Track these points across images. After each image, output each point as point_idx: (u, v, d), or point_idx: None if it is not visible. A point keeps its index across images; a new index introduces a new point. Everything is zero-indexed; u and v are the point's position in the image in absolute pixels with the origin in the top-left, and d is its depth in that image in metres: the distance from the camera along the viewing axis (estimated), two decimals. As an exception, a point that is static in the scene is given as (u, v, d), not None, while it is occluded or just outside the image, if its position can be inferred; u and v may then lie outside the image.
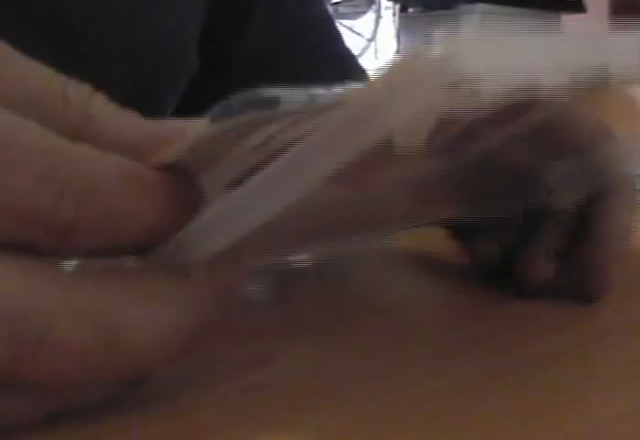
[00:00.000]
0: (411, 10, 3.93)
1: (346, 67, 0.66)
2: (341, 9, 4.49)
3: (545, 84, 0.16)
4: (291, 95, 0.19)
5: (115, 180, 0.19)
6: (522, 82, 0.15)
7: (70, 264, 0.20)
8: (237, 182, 0.22)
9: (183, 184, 0.21)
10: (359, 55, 4.57)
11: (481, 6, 3.64)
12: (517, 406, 0.21)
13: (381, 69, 0.16)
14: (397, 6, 4.15)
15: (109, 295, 0.19)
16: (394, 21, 4.38)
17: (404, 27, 3.97)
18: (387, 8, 4.59)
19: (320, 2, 0.67)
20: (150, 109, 0.53)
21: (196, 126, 0.20)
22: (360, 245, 0.38)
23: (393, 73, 0.16)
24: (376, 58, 4.87)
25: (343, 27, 4.45)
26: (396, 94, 0.15)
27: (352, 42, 4.40)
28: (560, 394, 0.22)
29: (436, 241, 0.40)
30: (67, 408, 0.20)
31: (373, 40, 4.78)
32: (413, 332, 0.28)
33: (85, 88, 0.21)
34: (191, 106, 0.59)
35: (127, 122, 0.21)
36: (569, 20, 4.07)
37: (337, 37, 0.66)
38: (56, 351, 0.18)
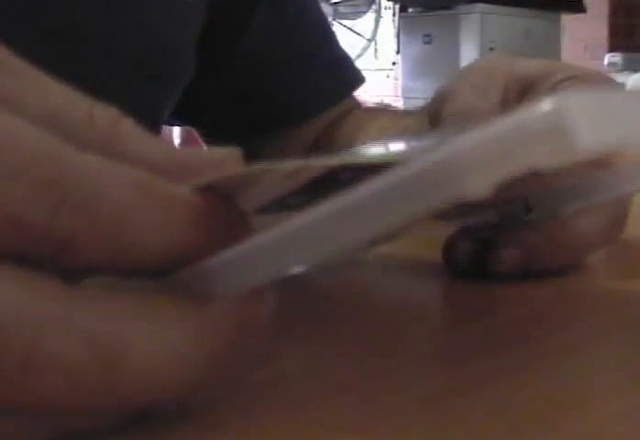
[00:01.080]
0: (411, 10, 3.93)
1: (343, 69, 0.66)
2: (341, 9, 4.49)
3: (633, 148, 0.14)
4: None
5: (125, 189, 0.18)
6: (614, 151, 0.14)
7: (82, 279, 0.18)
8: (265, 209, 0.22)
9: (220, 206, 0.19)
10: (359, 55, 4.56)
11: (481, 6, 3.65)
12: (516, 406, 0.21)
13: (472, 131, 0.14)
14: (397, 6, 4.16)
15: (113, 314, 0.17)
16: (394, 21, 4.38)
17: (404, 27, 3.98)
18: (387, 8, 4.59)
19: (317, 5, 0.67)
20: (149, 111, 0.53)
21: (232, 158, 0.20)
22: (357, 247, 0.38)
23: (482, 140, 0.14)
24: (376, 58, 4.87)
25: (343, 27, 4.45)
26: (483, 167, 0.14)
27: (352, 42, 4.39)
28: (559, 394, 0.22)
29: (433, 244, 0.40)
30: (60, 434, 0.18)
31: (373, 40, 4.78)
32: (412, 333, 0.28)
33: (113, 110, 0.20)
34: (186, 110, 0.60)
35: (157, 146, 0.20)
36: (569, 20, 4.08)
37: (333, 39, 0.67)
38: (46, 367, 0.16)
